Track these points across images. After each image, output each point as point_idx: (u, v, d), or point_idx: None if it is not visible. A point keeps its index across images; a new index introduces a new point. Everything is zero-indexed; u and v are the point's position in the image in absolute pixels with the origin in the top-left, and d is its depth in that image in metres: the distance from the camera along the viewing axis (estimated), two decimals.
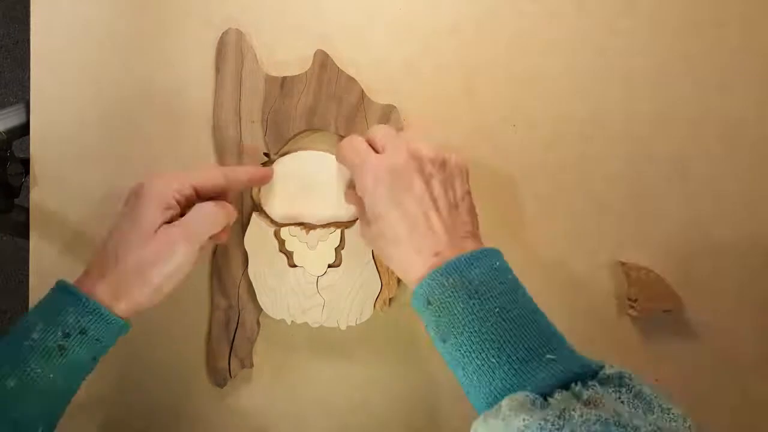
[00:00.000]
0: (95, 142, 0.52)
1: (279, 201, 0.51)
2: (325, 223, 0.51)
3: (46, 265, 0.52)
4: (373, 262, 0.50)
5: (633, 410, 0.33)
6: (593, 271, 0.52)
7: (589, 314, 0.52)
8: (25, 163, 0.52)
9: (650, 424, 0.32)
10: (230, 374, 0.52)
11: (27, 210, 0.53)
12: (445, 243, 0.41)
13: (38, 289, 0.52)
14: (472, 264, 0.39)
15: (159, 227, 0.42)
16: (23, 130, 0.53)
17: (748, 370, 0.52)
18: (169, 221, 0.43)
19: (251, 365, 0.52)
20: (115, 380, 0.53)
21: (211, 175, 0.45)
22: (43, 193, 0.52)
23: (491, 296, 0.38)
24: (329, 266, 0.50)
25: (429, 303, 0.40)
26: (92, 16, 0.52)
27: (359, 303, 0.50)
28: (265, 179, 0.49)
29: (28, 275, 0.52)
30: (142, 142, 0.52)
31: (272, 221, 0.51)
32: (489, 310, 0.38)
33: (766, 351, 0.52)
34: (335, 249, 0.50)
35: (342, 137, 0.50)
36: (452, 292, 0.39)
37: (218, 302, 0.52)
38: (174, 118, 0.52)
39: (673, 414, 0.33)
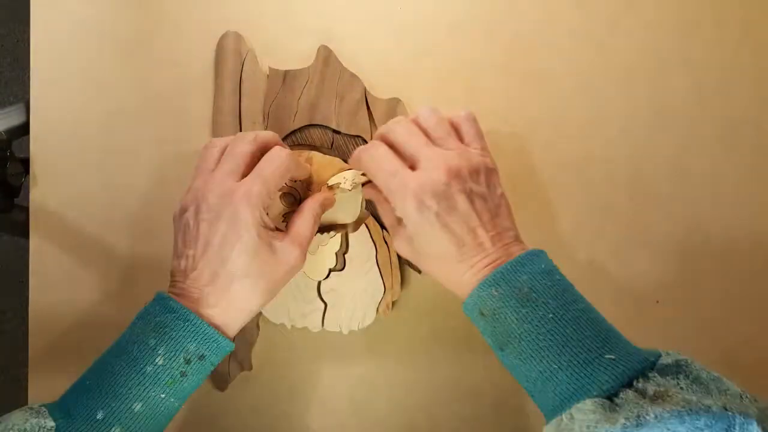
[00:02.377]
0: (95, 141, 0.52)
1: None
2: (325, 227, 0.50)
3: (47, 264, 0.52)
4: (376, 266, 0.50)
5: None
6: (593, 270, 0.52)
7: None
8: (25, 162, 0.52)
9: (716, 401, 0.32)
10: (229, 377, 0.51)
11: (27, 210, 0.53)
12: (494, 254, 0.40)
13: (38, 289, 0.52)
14: (519, 270, 0.39)
15: (265, 242, 0.41)
16: (23, 129, 0.53)
17: (749, 369, 0.52)
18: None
19: (250, 368, 0.51)
20: None
21: (284, 175, 0.42)
22: (43, 192, 0.52)
23: (543, 302, 0.38)
24: (332, 270, 0.50)
25: (482, 314, 0.40)
26: (92, 16, 0.52)
27: (362, 307, 0.50)
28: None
29: (28, 275, 0.52)
30: (142, 142, 0.52)
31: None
32: (542, 316, 0.37)
33: (767, 351, 0.52)
34: (336, 253, 0.49)
35: (337, 132, 0.50)
36: (503, 301, 0.38)
37: None
38: (174, 118, 0.52)
39: (732, 392, 0.33)
